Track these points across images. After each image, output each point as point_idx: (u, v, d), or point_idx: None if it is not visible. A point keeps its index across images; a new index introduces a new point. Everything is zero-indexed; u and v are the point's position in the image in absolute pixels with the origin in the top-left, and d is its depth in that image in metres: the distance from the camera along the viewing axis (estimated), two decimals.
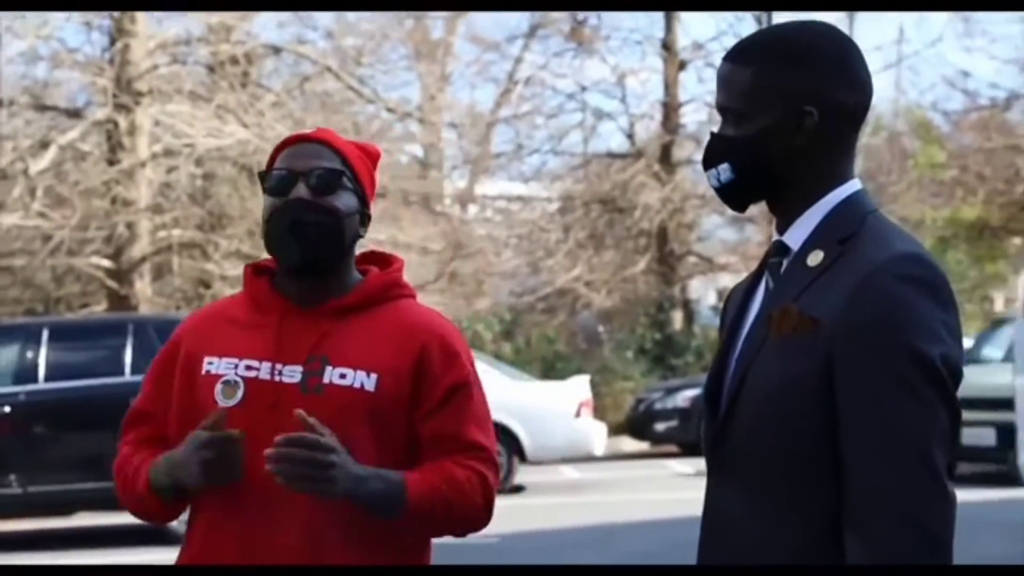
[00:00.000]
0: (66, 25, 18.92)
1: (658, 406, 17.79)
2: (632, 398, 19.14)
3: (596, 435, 14.31)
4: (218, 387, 2.42)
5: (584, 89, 25.30)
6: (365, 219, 2.51)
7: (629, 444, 18.40)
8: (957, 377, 1.92)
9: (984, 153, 24.99)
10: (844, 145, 2.04)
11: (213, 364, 2.44)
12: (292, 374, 2.40)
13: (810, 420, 1.92)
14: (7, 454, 10.74)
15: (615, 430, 17.78)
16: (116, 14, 18.09)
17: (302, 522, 2.36)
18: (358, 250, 2.58)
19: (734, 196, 2.08)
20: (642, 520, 11.55)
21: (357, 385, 2.39)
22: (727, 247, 26.95)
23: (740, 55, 2.05)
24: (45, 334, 11.32)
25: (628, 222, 24.21)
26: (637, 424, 18.09)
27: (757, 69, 2.01)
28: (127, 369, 11.04)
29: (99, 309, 18.63)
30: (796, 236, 2.02)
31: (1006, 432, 12.84)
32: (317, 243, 2.41)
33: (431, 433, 2.42)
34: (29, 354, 11.06)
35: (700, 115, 25.39)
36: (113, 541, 11.01)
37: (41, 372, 10.97)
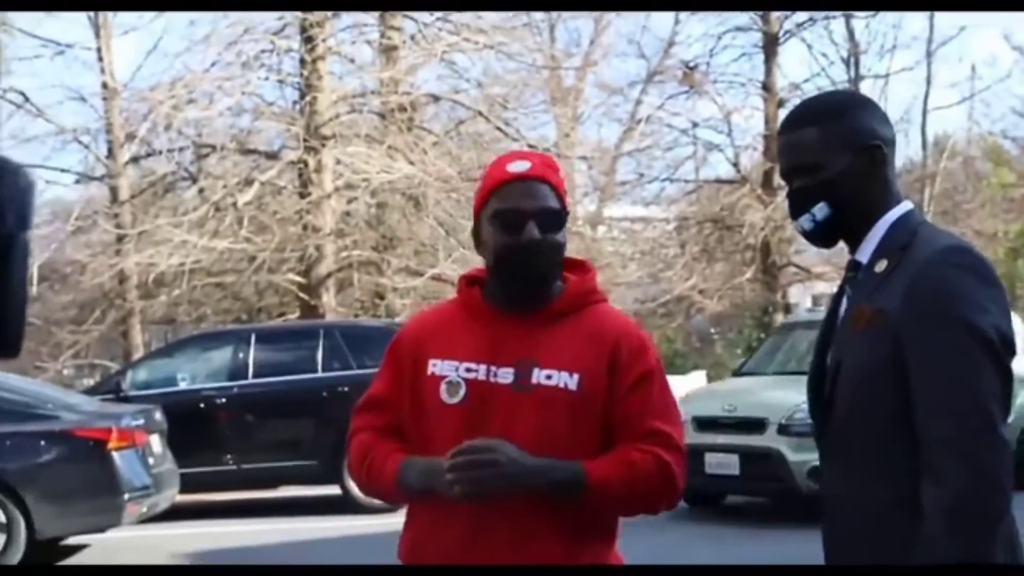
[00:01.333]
0: (264, 84, 19.35)
1: None
2: None
3: None
4: (443, 387, 2.35)
5: (695, 125, 25.01)
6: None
7: None
8: (1007, 343, 1.96)
9: None
10: (895, 170, 2.14)
11: (437, 366, 2.37)
12: (505, 375, 2.33)
13: (890, 396, 1.98)
14: (224, 438, 10.97)
15: None
16: (306, 72, 18.41)
17: (515, 520, 2.27)
18: None
19: (827, 231, 2.14)
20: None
21: (562, 385, 2.31)
22: (821, 258, 26.33)
23: (799, 121, 2.15)
24: (253, 338, 11.56)
25: (735, 238, 23.91)
26: None
27: (820, 126, 2.10)
28: (319, 367, 11.19)
29: (292, 317, 18.93)
30: (865, 252, 2.11)
31: (755, 459, 9.24)
32: (545, 275, 2.36)
33: (619, 419, 2.33)
34: (240, 355, 11.28)
35: None
36: (309, 510, 11.19)
37: (250, 370, 11.19)
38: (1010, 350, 1.97)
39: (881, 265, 2.06)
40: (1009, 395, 1.97)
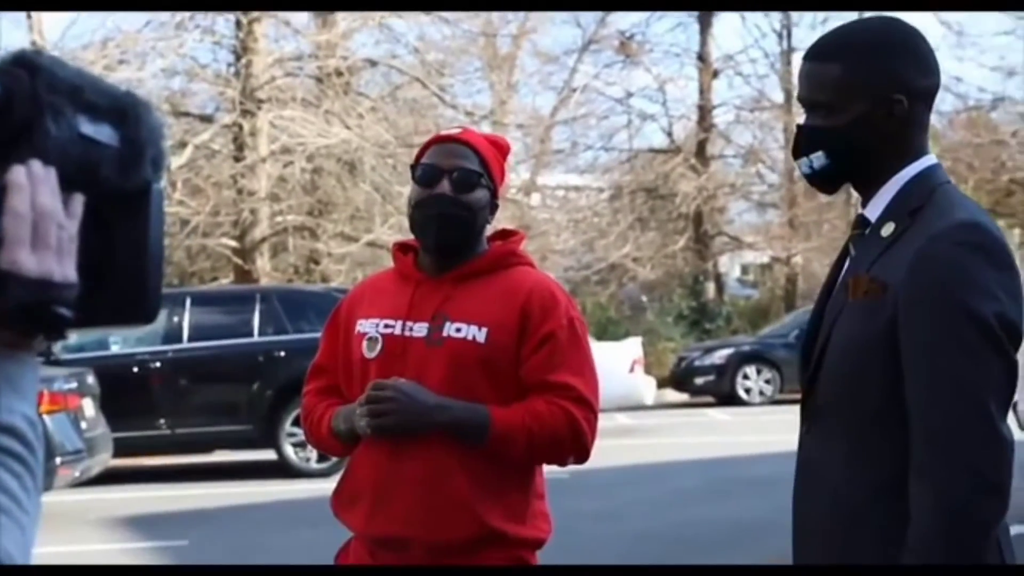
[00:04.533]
0: (198, 45, 19.00)
1: (697, 363, 17.66)
2: (674, 356, 19.00)
3: (647, 388, 14.20)
4: (364, 343, 2.45)
5: (630, 95, 25.12)
6: (494, 208, 2.51)
7: (672, 395, 18.27)
8: (1013, 333, 1.79)
9: (973, 147, 24.59)
10: (922, 124, 1.93)
11: (362, 325, 2.47)
12: (420, 329, 2.41)
13: (878, 375, 1.82)
14: (158, 402, 10.83)
15: (660, 384, 17.68)
16: (241, 35, 18.12)
17: (426, 456, 2.35)
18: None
19: (826, 181, 1.96)
20: (685, 459, 11.47)
21: (470, 337, 2.38)
22: (752, 228, 26.68)
23: (825, 53, 1.92)
24: (188, 302, 11.39)
25: (668, 207, 24.10)
26: (679, 378, 17.95)
27: (844, 64, 1.89)
28: (255, 331, 11.08)
29: (226, 282, 18.71)
30: (874, 210, 1.91)
31: None
32: (453, 232, 2.43)
33: (527, 376, 2.40)
34: (175, 319, 11.10)
35: (729, 116, 25.12)
36: (243, 474, 11.10)
37: (185, 334, 11.02)
38: (1016, 340, 1.79)
39: (888, 228, 1.87)
40: (1012, 389, 1.81)
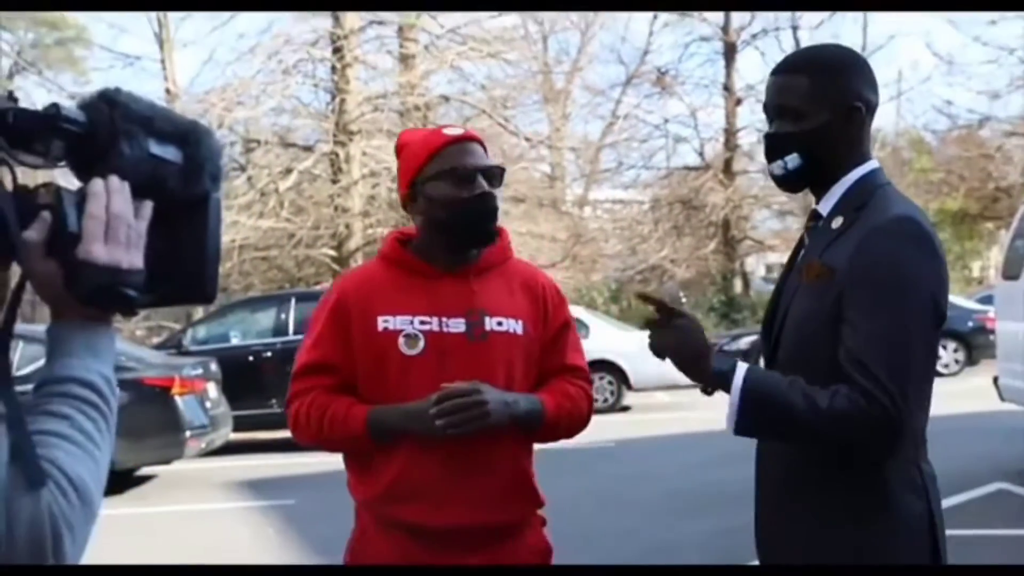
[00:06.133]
0: (301, 88, 19.24)
1: (725, 348, 17.41)
2: None
3: None
4: (401, 340, 2.12)
5: (666, 121, 25.02)
6: None
7: None
8: (937, 312, 1.78)
9: (964, 160, 24.09)
10: (867, 132, 1.94)
11: (389, 321, 2.13)
12: (457, 325, 2.15)
13: (827, 345, 1.80)
14: (269, 385, 10.91)
15: None
16: (336, 78, 18.31)
17: (486, 445, 2.13)
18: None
19: (796, 181, 1.93)
20: (715, 429, 11.33)
21: (511, 331, 2.18)
22: (773, 233, 26.37)
23: (793, 67, 1.91)
24: (293, 301, 11.54)
25: (700, 216, 23.91)
26: None
27: (812, 77, 1.88)
28: None
29: (326, 285, 18.86)
30: (826, 206, 1.91)
31: None
32: (494, 226, 2.19)
33: (550, 361, 2.25)
34: (283, 316, 11.27)
35: (752, 138, 24.84)
36: None
37: (291, 328, 11.16)
38: (939, 319, 1.79)
39: (837, 222, 1.86)
40: (932, 360, 1.81)
